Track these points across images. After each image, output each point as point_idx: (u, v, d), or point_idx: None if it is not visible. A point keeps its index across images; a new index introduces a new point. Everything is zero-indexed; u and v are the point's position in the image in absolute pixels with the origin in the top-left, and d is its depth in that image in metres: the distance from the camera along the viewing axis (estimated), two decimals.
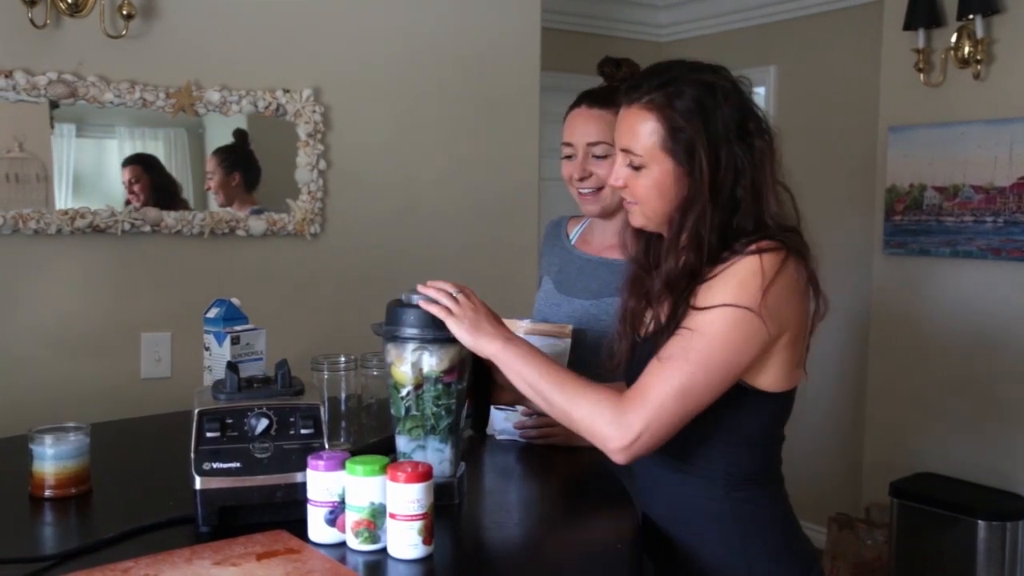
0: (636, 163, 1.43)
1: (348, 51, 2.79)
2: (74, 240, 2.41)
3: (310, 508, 1.29)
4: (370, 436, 1.76)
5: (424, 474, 1.24)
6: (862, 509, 3.86)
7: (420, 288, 1.46)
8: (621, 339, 1.53)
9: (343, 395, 1.79)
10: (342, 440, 1.77)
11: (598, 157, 1.86)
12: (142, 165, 2.51)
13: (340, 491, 1.28)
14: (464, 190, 3.00)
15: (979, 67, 3.38)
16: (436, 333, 1.43)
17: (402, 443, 1.47)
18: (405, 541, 1.24)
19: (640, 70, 1.82)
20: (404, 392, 1.44)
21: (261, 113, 2.63)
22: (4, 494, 1.54)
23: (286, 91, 2.66)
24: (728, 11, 4.54)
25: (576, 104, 1.91)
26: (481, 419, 1.65)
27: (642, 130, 1.42)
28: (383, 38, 2.85)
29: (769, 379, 1.41)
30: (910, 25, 3.53)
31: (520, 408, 1.80)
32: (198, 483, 1.32)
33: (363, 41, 2.82)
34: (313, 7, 2.74)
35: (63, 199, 2.39)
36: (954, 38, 3.43)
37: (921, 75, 3.54)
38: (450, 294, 1.45)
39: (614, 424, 1.35)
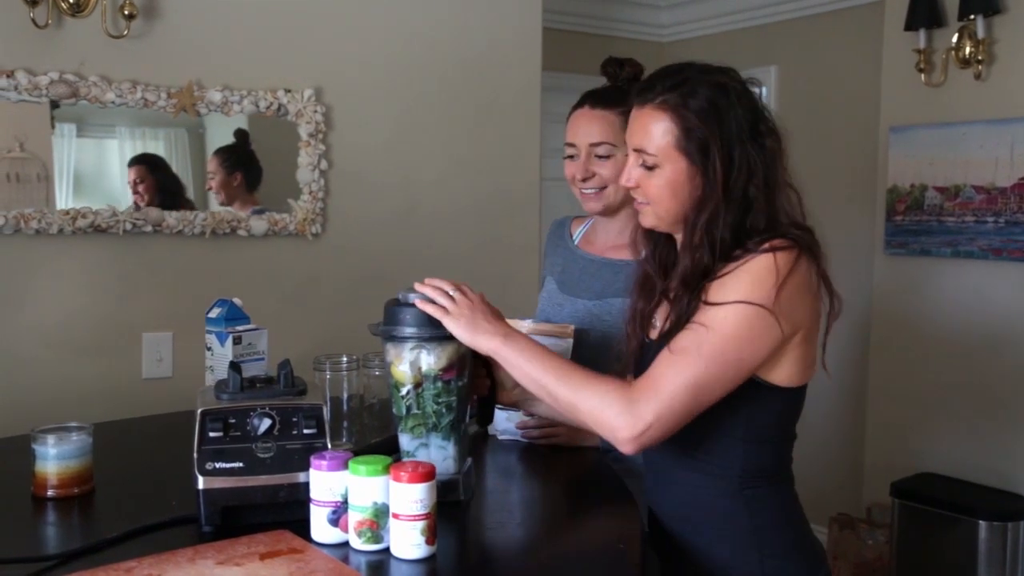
0: (649, 163, 1.44)
1: (350, 51, 2.79)
2: (75, 240, 2.41)
3: (313, 508, 1.29)
4: (372, 436, 1.76)
5: (427, 474, 1.24)
6: (863, 509, 3.86)
7: (417, 286, 1.46)
8: (630, 340, 1.53)
9: (345, 395, 1.79)
10: (344, 440, 1.77)
11: (601, 157, 1.86)
12: (147, 165, 2.51)
13: (343, 491, 1.28)
14: (466, 190, 3.00)
15: (980, 67, 3.38)
16: (433, 331, 1.43)
17: (405, 441, 1.47)
18: (408, 541, 1.24)
19: (643, 70, 1.82)
20: (404, 391, 1.45)
21: (262, 113, 2.63)
22: (7, 494, 1.53)
23: (287, 91, 2.66)
24: (729, 11, 4.54)
25: (579, 104, 1.91)
26: (486, 414, 1.65)
27: (656, 130, 1.42)
28: (385, 38, 2.85)
29: (783, 374, 1.41)
30: (911, 25, 3.53)
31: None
32: (201, 483, 1.32)
33: (365, 41, 2.82)
34: (315, 7, 2.74)
35: (64, 199, 2.39)
36: (955, 38, 3.43)
37: (922, 75, 3.54)
38: (447, 292, 1.45)
39: (625, 414, 1.35)
